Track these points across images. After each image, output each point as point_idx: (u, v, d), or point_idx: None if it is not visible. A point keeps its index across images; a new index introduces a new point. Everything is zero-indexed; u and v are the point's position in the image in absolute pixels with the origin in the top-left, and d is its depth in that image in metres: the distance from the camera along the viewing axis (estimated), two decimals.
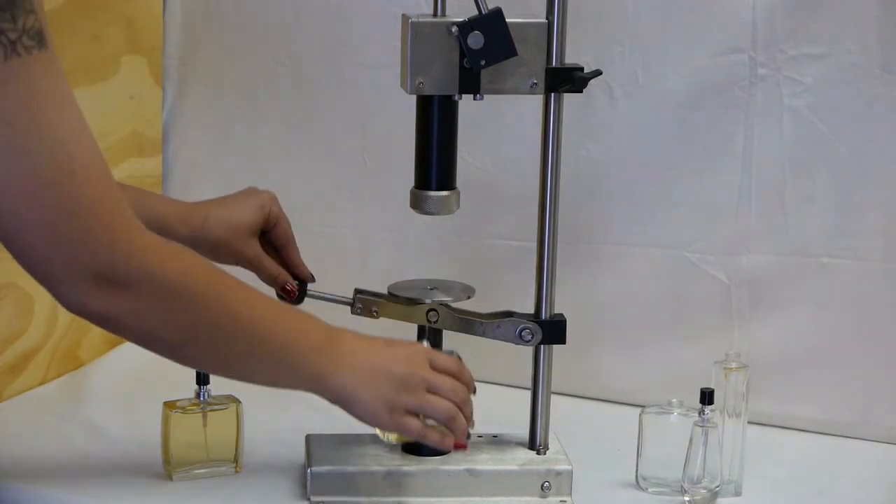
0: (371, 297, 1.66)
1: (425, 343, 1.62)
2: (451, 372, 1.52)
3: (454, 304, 1.66)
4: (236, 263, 1.64)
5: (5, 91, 1.18)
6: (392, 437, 1.60)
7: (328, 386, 1.45)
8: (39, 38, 1.21)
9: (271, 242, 1.67)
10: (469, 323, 1.66)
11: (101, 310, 1.27)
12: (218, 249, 1.62)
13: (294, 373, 1.44)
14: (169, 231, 1.56)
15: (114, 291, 1.26)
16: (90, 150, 1.24)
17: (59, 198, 1.21)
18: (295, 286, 1.64)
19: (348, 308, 1.67)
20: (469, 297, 1.67)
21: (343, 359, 1.45)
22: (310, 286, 1.67)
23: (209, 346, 1.36)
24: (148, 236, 1.28)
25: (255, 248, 1.64)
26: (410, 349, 1.52)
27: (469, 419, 1.53)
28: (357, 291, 1.67)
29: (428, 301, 1.65)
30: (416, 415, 1.49)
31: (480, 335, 1.67)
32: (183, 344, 1.34)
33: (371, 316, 1.66)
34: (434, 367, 1.51)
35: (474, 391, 1.56)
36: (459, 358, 1.59)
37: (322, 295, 1.66)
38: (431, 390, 1.49)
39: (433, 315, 1.65)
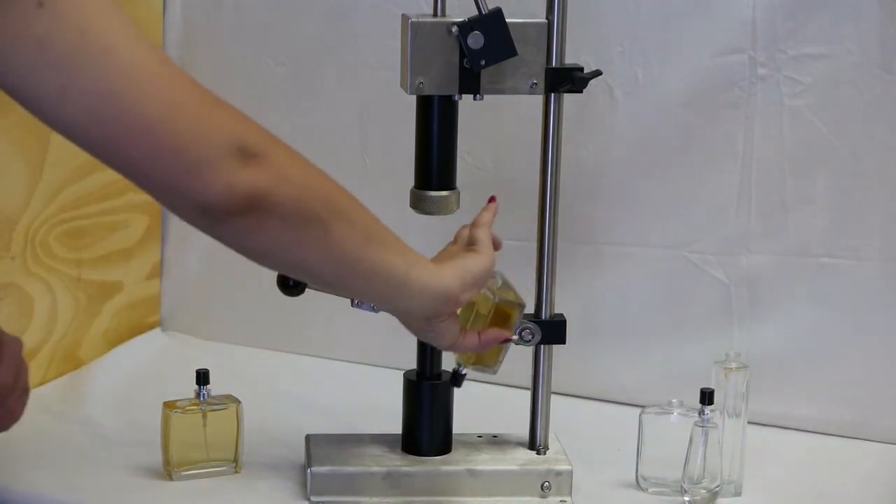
0: None
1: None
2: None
3: None
4: None
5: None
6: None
7: (430, 293, 1.42)
8: None
9: None
10: None
11: (248, 184, 1.20)
12: None
13: (402, 286, 1.40)
14: None
15: (256, 160, 1.21)
16: (163, 64, 1.19)
17: (181, 80, 1.18)
18: None
19: (348, 301, 1.67)
20: None
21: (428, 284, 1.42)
22: None
23: (347, 227, 1.31)
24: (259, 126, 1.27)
25: None
26: (487, 260, 1.51)
27: None
28: None
29: None
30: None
31: None
32: (328, 219, 1.28)
33: (371, 310, 1.66)
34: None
35: None
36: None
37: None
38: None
39: None
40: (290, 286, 1.63)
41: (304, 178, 1.26)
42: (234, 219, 1.22)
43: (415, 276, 1.40)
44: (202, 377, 1.70)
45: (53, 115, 1.19)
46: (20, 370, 1.39)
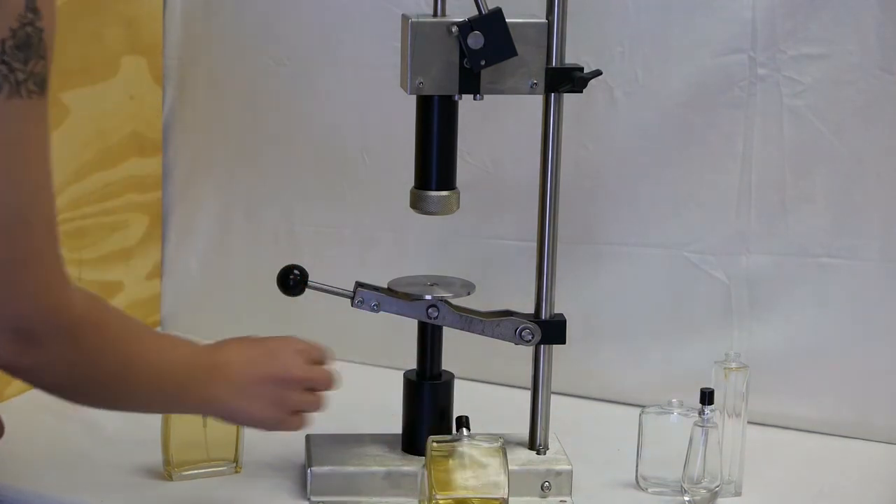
0: (371, 291, 1.66)
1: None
2: (322, 361, 1.56)
3: (454, 301, 1.66)
4: None
5: None
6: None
7: (214, 409, 1.48)
8: (43, 85, 1.24)
9: None
10: (469, 320, 1.66)
11: (10, 361, 1.28)
12: None
13: (185, 404, 1.48)
14: None
15: (29, 345, 1.27)
16: (51, 203, 1.27)
17: (9, 243, 1.23)
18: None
19: (348, 302, 1.67)
20: (469, 293, 1.67)
21: (229, 379, 1.46)
22: (311, 278, 1.66)
23: (105, 393, 1.38)
24: (70, 292, 1.30)
25: None
26: (287, 349, 1.52)
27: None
28: (358, 285, 1.66)
29: (428, 297, 1.65)
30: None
31: (480, 334, 1.67)
32: (82, 392, 1.37)
33: (371, 309, 1.66)
34: (310, 361, 1.54)
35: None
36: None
37: (323, 287, 1.65)
38: (309, 387, 1.52)
39: (433, 311, 1.65)
40: (290, 286, 1.64)
41: (67, 368, 1.31)
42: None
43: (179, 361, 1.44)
44: None
45: None
46: None
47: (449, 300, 1.66)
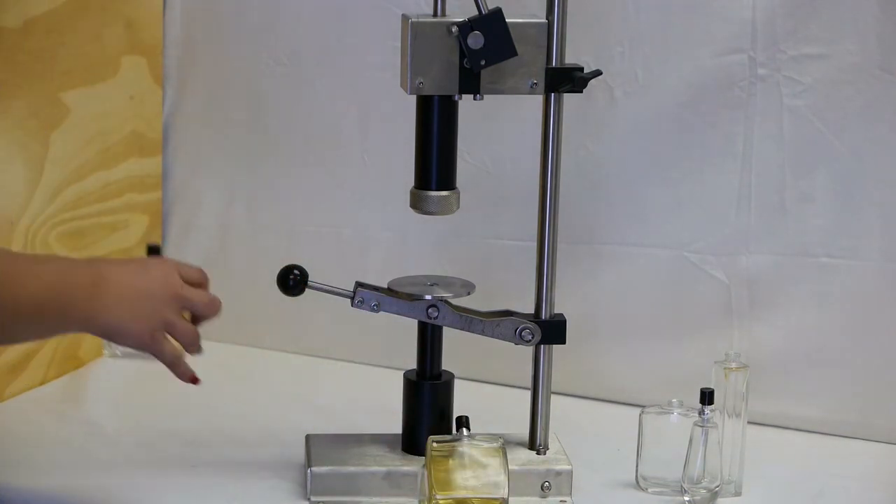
0: (371, 291, 1.66)
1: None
2: (202, 283, 1.54)
3: (454, 301, 1.66)
4: None
5: None
6: None
7: (97, 325, 1.47)
8: None
9: None
10: (469, 320, 1.66)
11: None
12: None
13: (64, 324, 1.47)
14: None
15: None
16: None
17: None
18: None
19: (348, 302, 1.67)
20: (469, 293, 1.67)
21: (110, 296, 1.46)
22: (311, 278, 1.66)
23: None
24: None
25: None
26: (164, 268, 1.52)
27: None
28: (358, 285, 1.66)
29: (428, 297, 1.65)
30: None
31: (480, 333, 1.67)
32: None
33: (371, 309, 1.66)
34: (185, 280, 1.52)
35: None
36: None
37: (323, 287, 1.65)
38: (187, 307, 1.51)
39: (433, 311, 1.65)
40: (290, 286, 1.63)
41: None
42: None
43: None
44: None
45: None
46: None
47: (449, 300, 1.66)
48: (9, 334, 1.45)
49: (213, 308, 1.54)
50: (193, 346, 1.53)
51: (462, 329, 1.66)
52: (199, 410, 1.88)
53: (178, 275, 1.51)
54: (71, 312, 1.44)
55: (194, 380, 1.55)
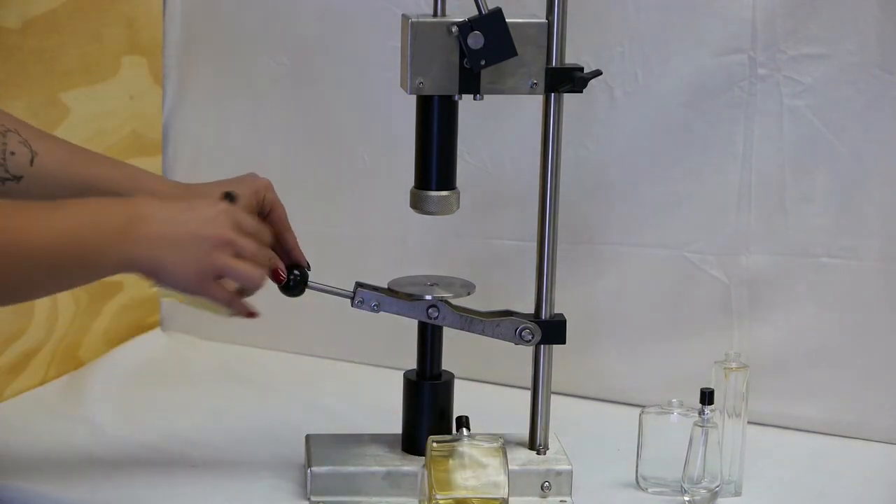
0: (371, 291, 1.66)
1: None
2: (255, 231, 1.48)
3: (454, 301, 1.66)
4: None
5: None
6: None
7: (135, 265, 1.39)
8: None
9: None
10: (469, 320, 1.66)
11: None
12: None
13: (102, 269, 1.39)
14: None
15: None
16: None
17: None
18: (284, 271, 1.60)
19: (348, 302, 1.67)
20: (469, 293, 1.67)
21: (149, 234, 1.38)
22: (311, 278, 1.66)
23: (13, 286, 1.34)
24: None
25: None
26: (213, 210, 1.44)
27: (281, 270, 1.53)
28: (358, 285, 1.66)
29: (428, 297, 1.65)
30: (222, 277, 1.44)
31: (480, 333, 1.67)
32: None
33: (371, 309, 1.66)
34: (238, 228, 1.44)
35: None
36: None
37: (323, 287, 1.65)
38: (238, 253, 1.43)
39: (433, 311, 1.65)
40: (290, 286, 1.63)
41: None
42: None
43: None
44: None
45: None
46: None
47: (449, 300, 1.66)
48: (35, 287, 1.36)
49: (262, 258, 1.46)
50: (255, 287, 1.45)
51: (462, 329, 1.66)
52: (199, 410, 1.88)
53: (234, 220, 1.43)
54: (98, 258, 1.36)
55: (251, 314, 1.49)
